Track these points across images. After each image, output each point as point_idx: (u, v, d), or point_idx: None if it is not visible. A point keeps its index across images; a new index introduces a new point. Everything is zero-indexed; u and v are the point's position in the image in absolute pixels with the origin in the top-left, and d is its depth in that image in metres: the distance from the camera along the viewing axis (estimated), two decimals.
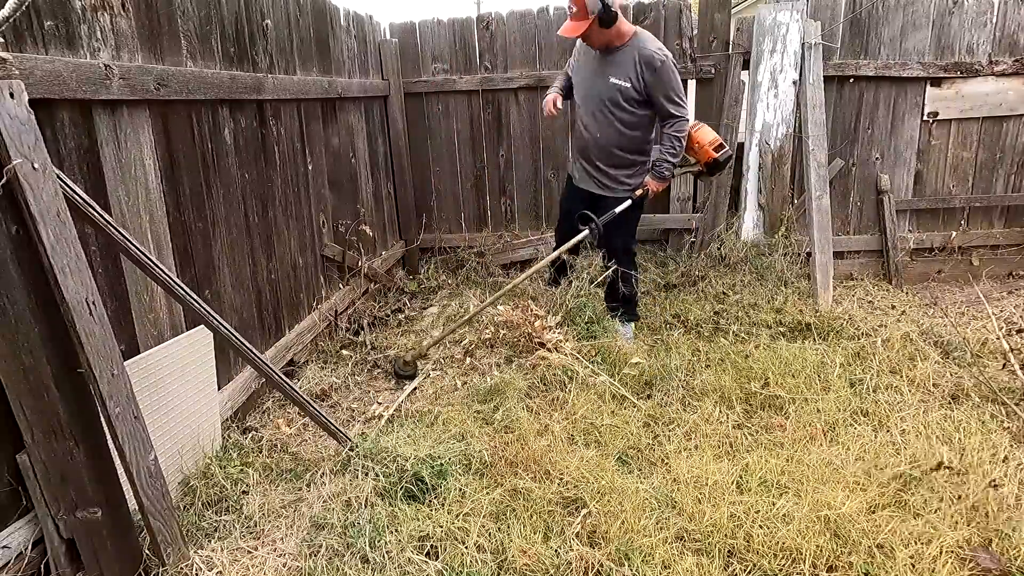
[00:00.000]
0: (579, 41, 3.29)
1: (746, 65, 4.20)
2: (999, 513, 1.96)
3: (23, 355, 1.52)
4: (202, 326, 2.20)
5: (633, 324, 3.60)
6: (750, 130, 4.25)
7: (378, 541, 1.90)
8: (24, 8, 1.40)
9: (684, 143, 3.23)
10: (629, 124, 3.24)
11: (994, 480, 2.04)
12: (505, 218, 4.85)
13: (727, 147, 3.41)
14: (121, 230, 1.74)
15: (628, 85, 3.14)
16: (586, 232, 3.33)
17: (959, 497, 2.03)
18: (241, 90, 2.64)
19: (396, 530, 1.95)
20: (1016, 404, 2.58)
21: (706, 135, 3.40)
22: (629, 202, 3.32)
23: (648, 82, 3.11)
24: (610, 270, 3.47)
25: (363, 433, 2.58)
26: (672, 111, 3.16)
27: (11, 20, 1.40)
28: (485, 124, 4.69)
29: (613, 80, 3.16)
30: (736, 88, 4.22)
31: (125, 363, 1.69)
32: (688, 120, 3.21)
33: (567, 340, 3.17)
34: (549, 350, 3.08)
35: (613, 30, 3.06)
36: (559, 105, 3.40)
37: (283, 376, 2.25)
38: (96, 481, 1.67)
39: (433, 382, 3.18)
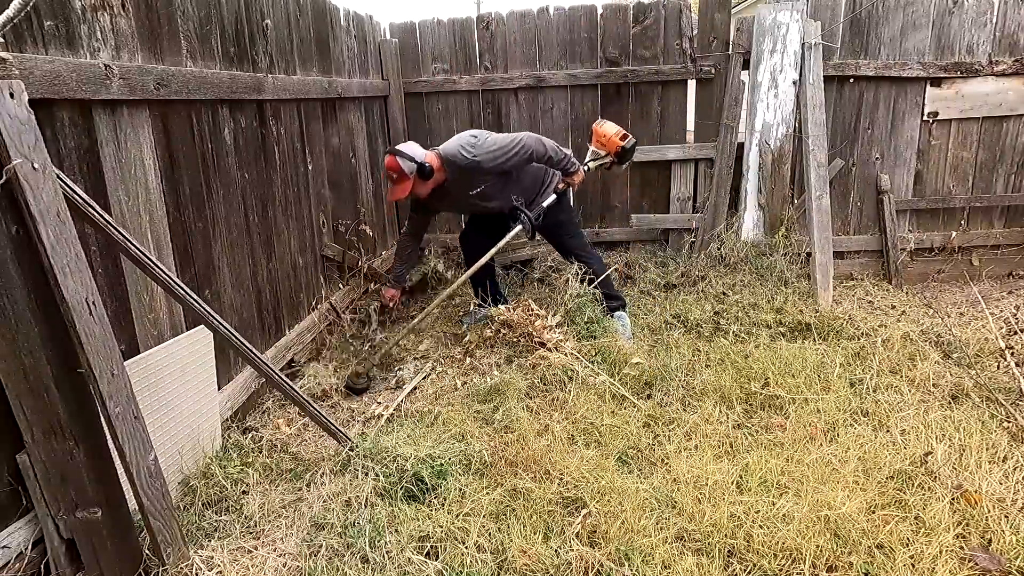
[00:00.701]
0: (425, 197, 3.36)
1: (746, 65, 4.20)
2: (997, 513, 1.96)
3: (23, 355, 1.52)
4: (202, 326, 2.20)
5: (624, 312, 3.62)
6: (750, 130, 4.25)
7: (378, 541, 1.90)
8: (27, 9, 1.40)
9: (547, 148, 3.29)
10: (517, 178, 3.41)
11: (960, 484, 2.05)
12: None
13: (630, 136, 3.62)
14: (121, 230, 1.74)
15: (483, 187, 3.31)
16: (519, 227, 3.41)
17: (955, 498, 2.04)
18: (241, 90, 2.64)
19: (396, 530, 1.95)
20: (1013, 404, 2.58)
21: (609, 128, 3.62)
22: (554, 196, 3.47)
23: (486, 171, 3.22)
24: (574, 268, 3.57)
25: (363, 433, 2.57)
26: (517, 155, 3.22)
27: (14, 21, 1.40)
28: (485, 124, 4.68)
29: (475, 191, 3.32)
30: (736, 88, 4.22)
31: (125, 363, 1.69)
32: (523, 138, 3.25)
33: (567, 340, 3.17)
34: (549, 350, 3.08)
35: (436, 176, 3.24)
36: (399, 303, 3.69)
37: (283, 376, 2.25)
38: (96, 481, 1.67)
39: (433, 382, 3.18)
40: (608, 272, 3.66)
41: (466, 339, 3.43)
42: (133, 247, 1.76)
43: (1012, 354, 2.97)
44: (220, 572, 1.82)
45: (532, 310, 3.31)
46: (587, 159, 3.74)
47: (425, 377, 3.23)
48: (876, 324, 3.47)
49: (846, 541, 1.88)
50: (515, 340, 3.22)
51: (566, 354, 3.05)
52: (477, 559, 1.86)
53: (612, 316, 3.53)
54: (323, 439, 2.60)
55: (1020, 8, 4.02)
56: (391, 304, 3.64)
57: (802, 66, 4.05)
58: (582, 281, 3.51)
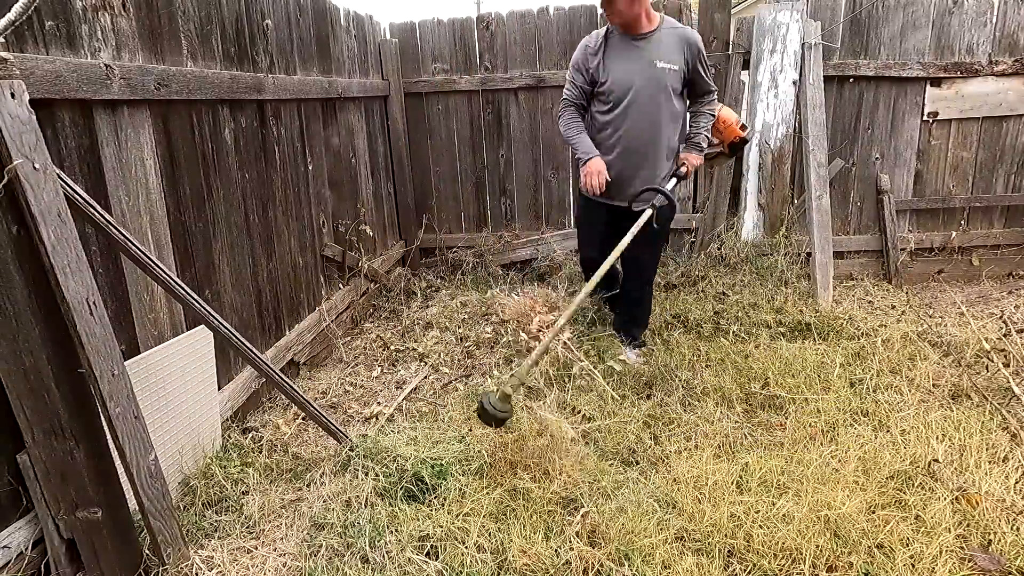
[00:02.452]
0: (590, 46, 2.96)
1: (746, 65, 4.20)
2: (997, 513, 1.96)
3: (23, 355, 1.52)
4: (202, 326, 2.20)
5: (643, 349, 3.36)
6: (750, 130, 4.25)
7: (378, 541, 1.90)
8: (30, 12, 1.40)
9: (714, 120, 3.10)
10: (677, 112, 2.98)
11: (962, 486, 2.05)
12: (505, 218, 4.85)
13: (748, 127, 3.32)
14: (121, 230, 1.74)
15: (677, 68, 2.88)
16: (650, 212, 2.84)
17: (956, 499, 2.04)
18: (241, 90, 2.64)
19: (396, 530, 1.95)
20: (1009, 405, 2.58)
21: (731, 114, 3.28)
22: (675, 180, 3.02)
23: (690, 61, 2.90)
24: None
25: (363, 433, 2.58)
26: (710, 85, 3.01)
27: (16, 24, 1.40)
28: (485, 124, 4.69)
29: (661, 64, 2.86)
30: (736, 88, 4.22)
31: (125, 363, 1.70)
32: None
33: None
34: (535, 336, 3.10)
35: (645, 6, 2.83)
36: (608, 176, 2.92)
37: (283, 376, 2.25)
38: (96, 481, 1.67)
39: (433, 382, 3.18)
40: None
41: (469, 340, 3.43)
42: (133, 247, 1.76)
43: (1006, 355, 2.97)
44: (220, 572, 1.82)
45: (536, 309, 3.32)
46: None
47: (426, 377, 3.23)
48: (876, 324, 3.47)
49: (846, 541, 1.88)
50: (513, 340, 3.22)
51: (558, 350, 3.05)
52: (477, 559, 1.86)
53: (631, 347, 3.32)
54: (323, 439, 2.60)
55: (1020, 8, 4.02)
56: (602, 178, 2.90)
57: (802, 66, 4.05)
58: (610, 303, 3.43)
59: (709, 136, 3.10)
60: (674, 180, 3.02)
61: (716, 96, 3.08)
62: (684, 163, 3.04)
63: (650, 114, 2.91)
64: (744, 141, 3.29)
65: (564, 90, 3.10)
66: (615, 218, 3.06)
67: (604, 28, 3.00)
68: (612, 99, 2.95)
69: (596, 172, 2.90)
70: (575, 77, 3.04)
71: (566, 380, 2.92)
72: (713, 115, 3.08)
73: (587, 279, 3.23)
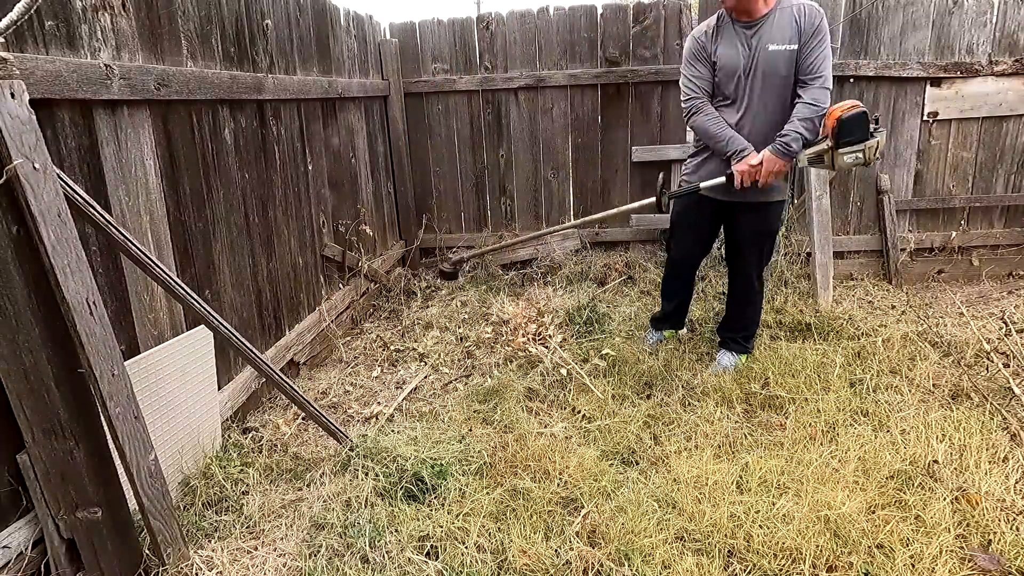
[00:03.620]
0: (712, 31, 2.76)
1: None
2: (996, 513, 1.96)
3: (23, 355, 1.52)
4: (202, 326, 2.20)
5: (742, 356, 3.10)
6: (853, 108, 4.19)
7: (378, 541, 1.90)
8: (31, 13, 1.40)
9: (824, 110, 2.61)
10: (789, 97, 2.70)
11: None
12: (505, 218, 4.85)
13: (861, 105, 2.60)
14: (121, 230, 1.74)
15: (792, 48, 2.61)
16: (721, 179, 2.69)
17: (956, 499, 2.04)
18: (241, 90, 2.64)
19: (396, 530, 1.95)
20: (1006, 404, 2.58)
21: (844, 103, 2.66)
22: (723, 179, 2.74)
23: (805, 38, 2.59)
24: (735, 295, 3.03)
25: (363, 433, 2.58)
26: (816, 69, 2.59)
27: (17, 24, 1.40)
28: (485, 124, 4.69)
29: (773, 47, 2.62)
30: None
31: (125, 363, 1.70)
32: (831, 89, 2.64)
33: (555, 335, 3.17)
34: (532, 341, 3.11)
35: None
36: (755, 161, 2.67)
37: (283, 376, 2.25)
38: (96, 481, 1.67)
39: (433, 382, 3.18)
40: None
41: (469, 340, 3.43)
42: (133, 247, 1.76)
43: (1007, 355, 2.97)
44: (220, 572, 1.82)
45: (533, 313, 3.32)
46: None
47: (426, 377, 3.23)
48: (876, 324, 3.47)
49: (846, 541, 1.88)
50: (511, 340, 3.23)
51: (549, 348, 3.06)
52: (477, 559, 1.86)
53: (730, 352, 3.11)
54: (323, 439, 2.60)
55: (1020, 8, 4.02)
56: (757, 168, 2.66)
57: None
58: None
59: (803, 132, 2.61)
60: (719, 180, 2.74)
61: (828, 82, 2.61)
62: (752, 169, 2.65)
63: (765, 103, 2.70)
64: (854, 119, 2.54)
65: (684, 90, 2.84)
66: (719, 216, 2.95)
67: (715, 15, 2.80)
68: (723, 90, 2.78)
69: (747, 161, 2.67)
70: (693, 70, 2.81)
71: (567, 382, 2.92)
72: (815, 104, 2.59)
73: (668, 278, 3.20)
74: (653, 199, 2.93)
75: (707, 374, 2.99)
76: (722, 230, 3.11)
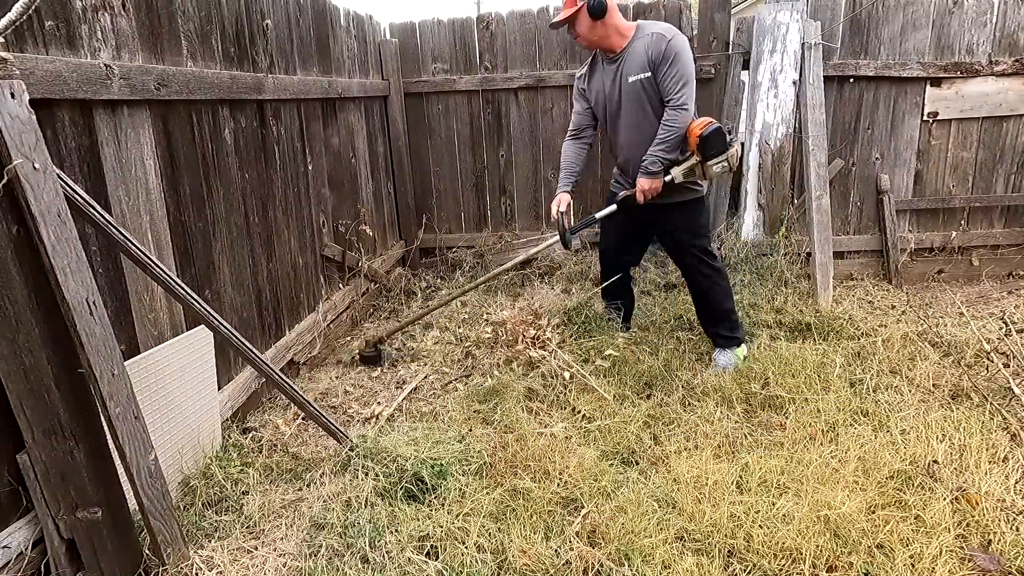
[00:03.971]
0: (585, 72, 3.07)
1: (746, 65, 4.20)
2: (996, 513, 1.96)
3: (23, 355, 1.52)
4: (202, 326, 2.20)
5: (738, 350, 3.11)
6: (750, 130, 4.25)
7: (378, 541, 1.90)
8: (30, 12, 1.40)
9: (681, 130, 2.81)
10: (656, 119, 2.91)
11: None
12: (505, 218, 4.85)
13: (715, 122, 2.84)
14: (121, 230, 1.74)
15: (646, 75, 2.82)
16: (612, 208, 3.04)
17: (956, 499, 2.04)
18: (241, 90, 2.64)
19: (396, 530, 1.95)
20: (1006, 404, 2.58)
21: (701, 120, 2.93)
22: (614, 207, 3.05)
23: (655, 66, 2.79)
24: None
25: (363, 433, 2.57)
26: (670, 95, 2.79)
27: (16, 24, 1.40)
28: (485, 124, 4.69)
29: (632, 78, 2.86)
30: (736, 88, 4.22)
31: (125, 363, 1.70)
32: (688, 108, 2.80)
33: (553, 337, 3.17)
34: (531, 346, 3.11)
35: (609, 27, 2.82)
36: (562, 209, 3.03)
37: (283, 376, 2.25)
38: (96, 481, 1.67)
39: (433, 382, 3.18)
40: (725, 292, 3.14)
41: (469, 340, 3.43)
42: (133, 247, 1.76)
43: (1007, 355, 2.97)
44: (220, 572, 1.82)
45: (531, 318, 3.32)
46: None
47: (426, 377, 3.23)
48: (876, 324, 3.47)
49: (846, 541, 1.88)
50: (510, 342, 3.23)
51: (548, 351, 3.06)
52: (477, 559, 1.86)
53: (719, 349, 3.14)
54: (323, 439, 2.60)
55: (1020, 8, 4.02)
56: (557, 209, 3.03)
57: (802, 66, 4.05)
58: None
59: (662, 155, 2.84)
60: (613, 207, 3.05)
61: (679, 109, 2.80)
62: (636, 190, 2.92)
63: (636, 127, 2.95)
64: (713, 135, 2.79)
65: None
66: (638, 217, 3.12)
67: (591, 55, 3.07)
68: (603, 120, 3.10)
69: (556, 201, 3.08)
70: (575, 106, 3.19)
71: (567, 382, 2.92)
72: (671, 127, 2.81)
73: (601, 273, 3.46)
74: (558, 237, 3.11)
75: (707, 374, 2.99)
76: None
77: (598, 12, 2.76)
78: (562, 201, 3.06)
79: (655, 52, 2.78)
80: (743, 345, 3.16)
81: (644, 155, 2.89)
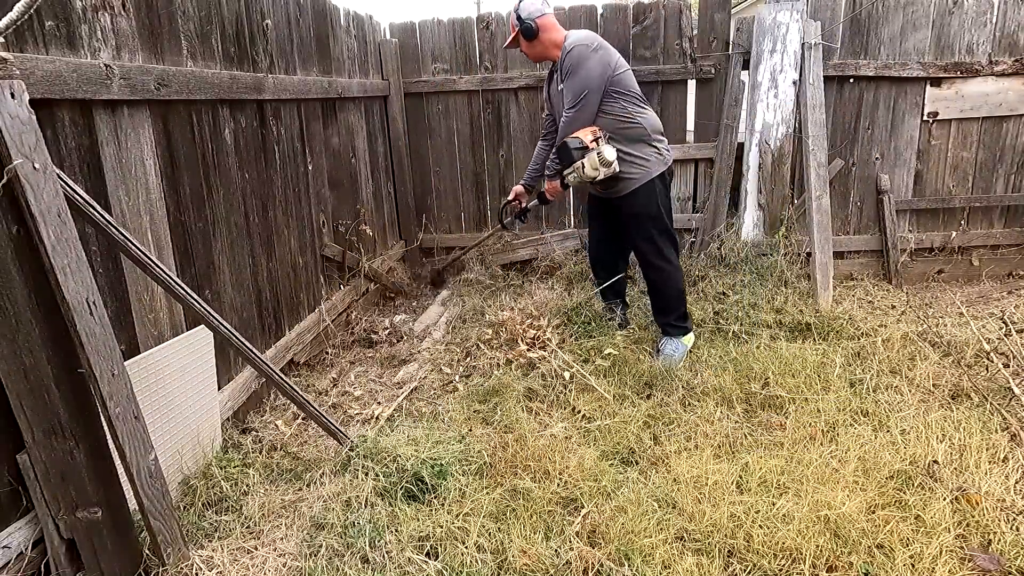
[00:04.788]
0: (545, 77, 3.41)
1: (746, 65, 4.20)
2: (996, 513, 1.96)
3: (23, 355, 1.52)
4: (202, 326, 2.20)
5: (684, 339, 3.27)
6: (750, 130, 4.25)
7: (378, 541, 1.90)
8: (31, 12, 1.40)
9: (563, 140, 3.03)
10: (599, 123, 3.08)
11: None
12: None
13: (578, 136, 3.02)
14: (121, 230, 1.74)
15: (563, 85, 3.08)
16: (535, 201, 3.46)
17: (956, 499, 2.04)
18: (241, 90, 2.64)
19: (396, 530, 1.95)
20: (1006, 404, 2.58)
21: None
22: (536, 200, 3.43)
23: (563, 76, 3.04)
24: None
25: (363, 433, 2.57)
26: (564, 105, 3.05)
27: (17, 23, 1.40)
28: (485, 124, 4.69)
29: (560, 87, 3.11)
30: (736, 88, 4.21)
31: (125, 363, 1.69)
32: (573, 117, 3.01)
33: (552, 338, 3.17)
34: (531, 347, 3.11)
35: (545, 43, 3.11)
36: (509, 198, 3.61)
37: (283, 376, 2.25)
38: (96, 481, 1.67)
39: (433, 382, 3.18)
40: (674, 280, 3.28)
41: (470, 341, 3.43)
42: (133, 247, 1.76)
43: (1007, 355, 2.97)
44: (220, 572, 1.82)
45: (529, 317, 3.31)
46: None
47: (426, 377, 3.23)
48: (876, 324, 3.47)
49: (846, 541, 1.88)
50: (509, 342, 3.23)
51: (548, 350, 3.06)
52: (477, 559, 1.86)
53: (667, 337, 3.28)
54: (323, 439, 2.60)
55: (1020, 8, 4.02)
56: (513, 201, 3.59)
57: (802, 66, 4.05)
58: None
59: (553, 161, 3.17)
60: (533, 202, 3.46)
61: (573, 111, 3.00)
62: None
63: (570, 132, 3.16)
64: (560, 150, 3.05)
65: None
66: (607, 208, 3.38)
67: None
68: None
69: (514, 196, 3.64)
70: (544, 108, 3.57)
71: (567, 382, 2.92)
72: (561, 133, 3.09)
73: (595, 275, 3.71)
74: (500, 226, 3.85)
75: (658, 363, 3.07)
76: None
77: (529, 35, 3.09)
78: (514, 192, 3.61)
79: (564, 65, 3.04)
80: (690, 334, 3.32)
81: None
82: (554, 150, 3.15)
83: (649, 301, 3.43)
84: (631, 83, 3.09)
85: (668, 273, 3.22)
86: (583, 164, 3.00)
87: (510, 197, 3.59)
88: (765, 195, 4.29)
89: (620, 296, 3.61)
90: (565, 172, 3.10)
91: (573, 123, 3.03)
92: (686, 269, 4.25)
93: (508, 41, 3.24)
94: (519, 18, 3.09)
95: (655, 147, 3.11)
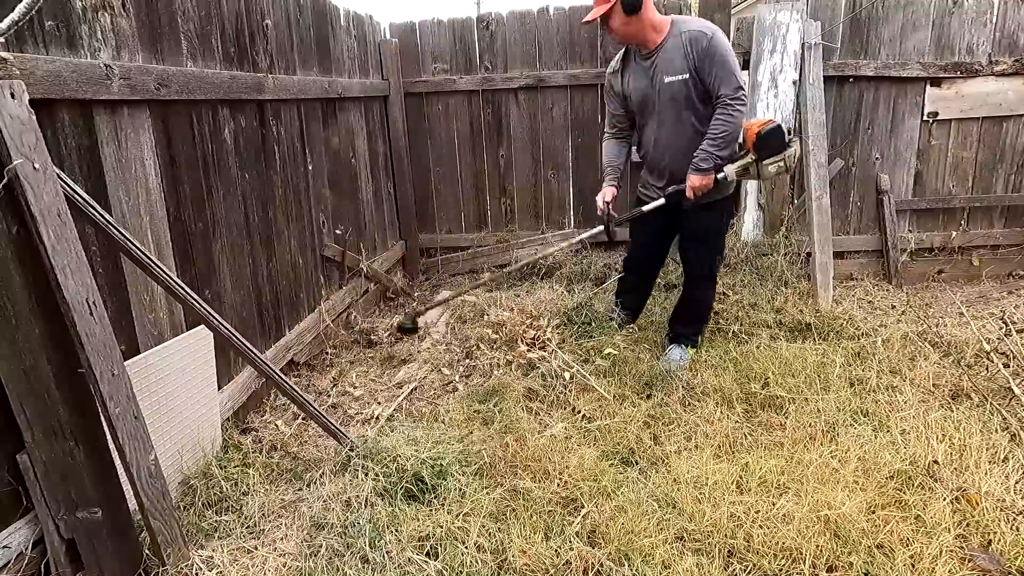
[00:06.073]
0: (618, 67, 3.03)
1: (746, 65, 4.19)
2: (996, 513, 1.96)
3: (23, 355, 1.52)
4: (202, 326, 2.20)
5: (692, 350, 3.20)
6: (777, 120, 4.21)
7: (378, 541, 1.90)
8: (33, 13, 1.40)
9: (735, 128, 2.76)
10: (702, 119, 2.86)
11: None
12: (505, 218, 4.85)
13: (774, 121, 2.86)
14: (121, 230, 1.74)
15: (684, 77, 2.79)
16: (661, 201, 2.99)
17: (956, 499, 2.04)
18: (241, 90, 2.64)
19: (396, 530, 1.95)
20: (1006, 404, 2.58)
21: (757, 119, 3.02)
22: (662, 200, 2.98)
23: (694, 65, 2.75)
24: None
25: (363, 434, 2.58)
26: (720, 88, 2.73)
27: (19, 24, 1.40)
28: (485, 124, 4.69)
29: (668, 79, 2.81)
30: None
31: (125, 363, 1.70)
32: (743, 101, 2.74)
33: (552, 338, 3.17)
34: (531, 347, 3.11)
35: (644, 22, 2.76)
36: (607, 200, 3.11)
37: (283, 376, 2.25)
38: (96, 481, 1.67)
39: (433, 382, 3.18)
40: (709, 309, 3.27)
41: (470, 341, 3.43)
42: (133, 247, 1.77)
43: (1007, 355, 2.97)
44: (220, 572, 1.82)
45: (529, 316, 3.32)
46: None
47: (426, 377, 3.23)
48: (876, 324, 3.47)
49: (846, 541, 1.88)
50: (509, 343, 3.23)
51: (548, 351, 3.07)
52: (477, 559, 1.86)
53: (679, 345, 3.21)
54: (323, 439, 2.60)
55: (1020, 8, 4.02)
56: (603, 200, 3.11)
57: (802, 66, 4.05)
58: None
59: (714, 151, 2.79)
60: (658, 202, 3.00)
61: (733, 101, 2.73)
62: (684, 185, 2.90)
63: (673, 126, 2.91)
64: (771, 134, 2.80)
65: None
66: (667, 217, 3.09)
67: (623, 49, 3.02)
68: (638, 117, 3.06)
69: (602, 194, 3.16)
70: (608, 105, 3.19)
71: (567, 382, 2.92)
72: (725, 124, 2.75)
73: (624, 271, 3.49)
74: (602, 227, 3.22)
75: (660, 364, 3.06)
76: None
77: (632, 9, 2.70)
78: (607, 193, 3.14)
79: (697, 52, 2.74)
80: (697, 348, 3.25)
81: (678, 154, 2.90)
82: (756, 137, 2.79)
83: (676, 306, 3.32)
84: None
85: (710, 291, 3.22)
86: (785, 155, 2.80)
87: (608, 199, 3.12)
88: (765, 195, 4.29)
89: (640, 307, 3.51)
90: (766, 162, 2.82)
91: (738, 114, 2.75)
92: None
93: (589, 16, 2.82)
94: None
95: None
